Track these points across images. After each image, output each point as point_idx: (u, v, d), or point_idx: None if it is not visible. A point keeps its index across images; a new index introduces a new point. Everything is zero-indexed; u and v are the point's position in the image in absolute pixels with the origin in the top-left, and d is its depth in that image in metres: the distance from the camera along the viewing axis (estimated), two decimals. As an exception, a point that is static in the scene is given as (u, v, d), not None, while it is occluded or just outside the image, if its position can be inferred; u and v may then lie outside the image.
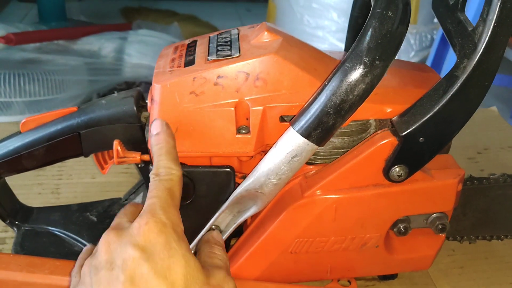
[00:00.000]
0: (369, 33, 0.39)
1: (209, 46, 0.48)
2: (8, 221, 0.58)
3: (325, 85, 0.41)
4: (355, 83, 0.39)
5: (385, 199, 0.47)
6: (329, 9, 2.18)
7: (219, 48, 0.47)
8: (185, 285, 0.37)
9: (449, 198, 0.49)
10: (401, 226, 0.50)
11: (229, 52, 0.46)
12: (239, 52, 0.46)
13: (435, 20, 2.08)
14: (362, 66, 0.39)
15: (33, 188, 0.70)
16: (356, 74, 0.39)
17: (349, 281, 0.54)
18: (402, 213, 0.49)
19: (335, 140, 0.49)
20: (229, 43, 0.48)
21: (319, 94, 0.41)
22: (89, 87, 1.48)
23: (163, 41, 1.62)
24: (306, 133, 0.42)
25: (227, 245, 0.55)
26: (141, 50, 1.56)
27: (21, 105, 1.32)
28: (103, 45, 1.58)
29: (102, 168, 0.55)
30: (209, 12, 2.84)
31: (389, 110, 0.47)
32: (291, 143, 0.42)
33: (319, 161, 0.50)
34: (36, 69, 1.36)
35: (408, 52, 2.09)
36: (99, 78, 1.48)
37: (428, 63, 1.94)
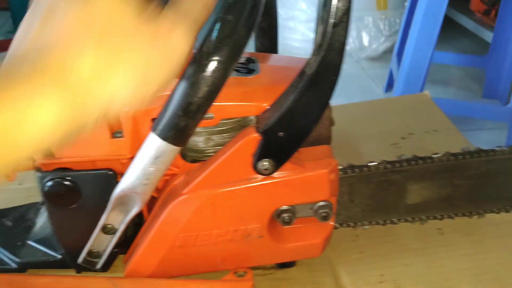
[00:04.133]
0: (210, 37, 0.41)
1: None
2: None
3: (175, 88, 0.43)
4: (198, 86, 0.41)
5: (259, 191, 0.50)
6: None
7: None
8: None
9: (323, 187, 0.51)
10: (285, 215, 0.53)
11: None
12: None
13: (406, 3, 2.08)
14: (201, 69, 0.41)
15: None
16: (197, 77, 0.41)
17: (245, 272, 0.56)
18: (280, 203, 0.52)
19: (215, 138, 0.52)
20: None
21: (171, 97, 0.43)
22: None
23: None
24: (163, 135, 0.44)
25: (131, 240, 0.58)
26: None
27: None
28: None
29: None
30: None
31: (255, 107, 0.49)
32: (152, 145, 0.45)
33: (206, 158, 0.53)
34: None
35: (378, 38, 2.10)
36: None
37: (395, 48, 1.94)
